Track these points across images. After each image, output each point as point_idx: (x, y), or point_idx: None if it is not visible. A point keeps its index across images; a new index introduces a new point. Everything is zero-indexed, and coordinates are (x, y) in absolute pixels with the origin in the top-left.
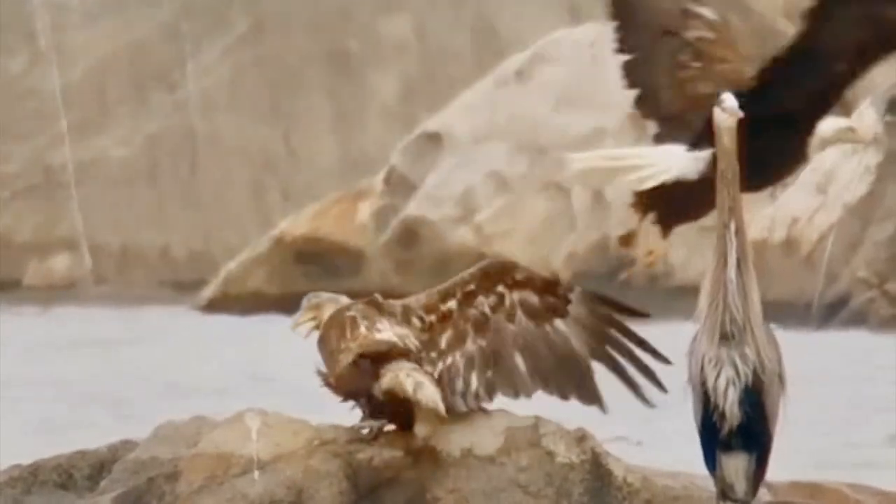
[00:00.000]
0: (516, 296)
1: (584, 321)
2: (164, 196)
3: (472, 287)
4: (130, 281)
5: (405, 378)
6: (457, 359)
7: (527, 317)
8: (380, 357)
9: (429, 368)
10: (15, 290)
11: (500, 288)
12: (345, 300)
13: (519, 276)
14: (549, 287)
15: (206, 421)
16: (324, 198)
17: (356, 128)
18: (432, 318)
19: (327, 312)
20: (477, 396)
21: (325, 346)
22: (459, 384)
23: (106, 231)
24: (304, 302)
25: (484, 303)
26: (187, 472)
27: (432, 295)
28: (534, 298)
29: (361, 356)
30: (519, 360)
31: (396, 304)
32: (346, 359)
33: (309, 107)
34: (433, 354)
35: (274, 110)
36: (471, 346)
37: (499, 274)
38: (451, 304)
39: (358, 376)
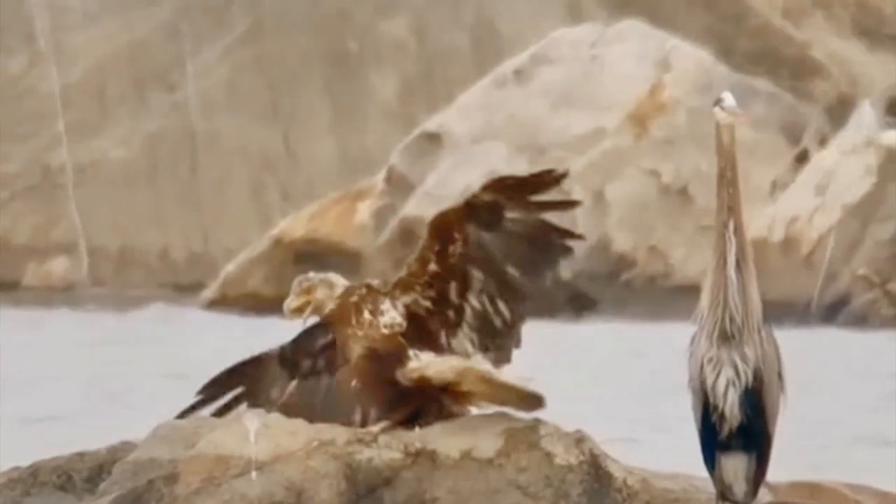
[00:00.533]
0: (470, 228)
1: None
2: (164, 196)
3: (437, 246)
4: (129, 282)
5: (438, 366)
6: (467, 311)
7: (487, 232)
8: (391, 349)
9: (445, 331)
10: (13, 291)
11: (456, 234)
12: (335, 278)
13: (456, 217)
14: (477, 206)
15: (204, 422)
16: (323, 198)
17: (355, 128)
18: (425, 279)
19: (320, 294)
20: (515, 325)
21: (335, 335)
22: (496, 320)
23: (104, 232)
24: (295, 286)
25: (455, 250)
26: (186, 474)
27: (412, 265)
28: (479, 223)
29: (372, 350)
30: (512, 270)
31: (391, 283)
32: (356, 348)
33: (308, 107)
34: (451, 313)
35: (273, 110)
36: (478, 275)
37: (446, 223)
38: (433, 266)
39: (376, 366)
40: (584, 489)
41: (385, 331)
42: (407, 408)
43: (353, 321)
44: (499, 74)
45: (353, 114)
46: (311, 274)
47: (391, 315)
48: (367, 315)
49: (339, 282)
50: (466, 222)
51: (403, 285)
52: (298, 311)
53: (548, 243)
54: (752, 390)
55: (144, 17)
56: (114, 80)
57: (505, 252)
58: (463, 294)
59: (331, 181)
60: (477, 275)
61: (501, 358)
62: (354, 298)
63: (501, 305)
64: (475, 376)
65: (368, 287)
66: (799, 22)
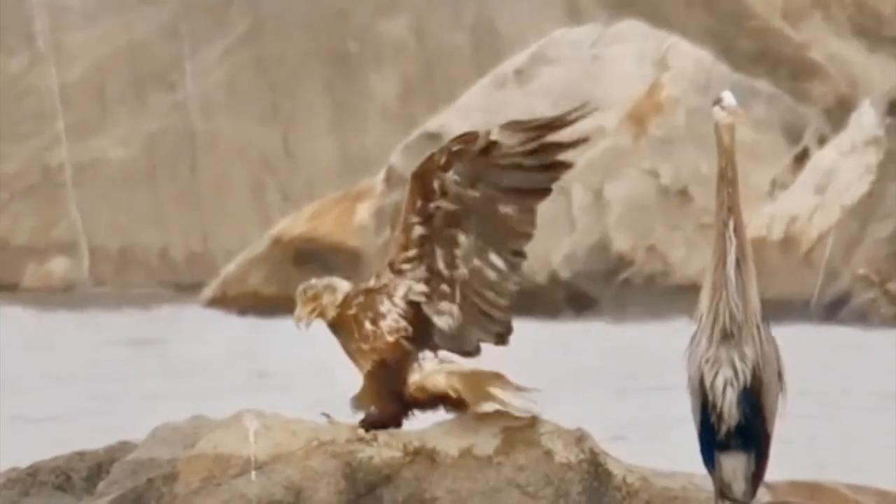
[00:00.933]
0: (453, 171)
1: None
2: (163, 196)
3: (419, 202)
4: (129, 282)
5: (442, 379)
6: (464, 268)
7: (485, 167)
8: (399, 357)
9: (446, 305)
10: (13, 291)
11: (435, 180)
12: (337, 282)
13: (443, 159)
14: (471, 141)
15: (204, 421)
16: (323, 198)
17: (355, 128)
18: (413, 252)
19: (325, 300)
20: (509, 276)
21: (342, 345)
22: (490, 274)
23: (104, 232)
24: (300, 294)
25: (439, 203)
26: (185, 473)
27: (398, 239)
28: (467, 163)
29: (381, 361)
30: (504, 208)
31: (384, 269)
32: (364, 363)
33: (308, 107)
34: (445, 287)
35: (273, 110)
36: (463, 240)
37: (427, 171)
38: (419, 230)
39: (385, 377)
40: (584, 488)
41: (390, 338)
42: (402, 414)
43: (356, 335)
44: (499, 74)
45: (353, 114)
46: (314, 280)
47: (393, 317)
48: (368, 326)
49: (342, 286)
50: (454, 163)
51: (396, 268)
52: (309, 316)
53: (546, 166)
54: (751, 389)
55: (144, 17)
56: (114, 80)
57: (496, 190)
58: (452, 263)
59: (331, 181)
60: (462, 238)
61: (498, 319)
62: (352, 310)
63: (494, 257)
64: (472, 390)
65: (366, 292)
66: (798, 23)
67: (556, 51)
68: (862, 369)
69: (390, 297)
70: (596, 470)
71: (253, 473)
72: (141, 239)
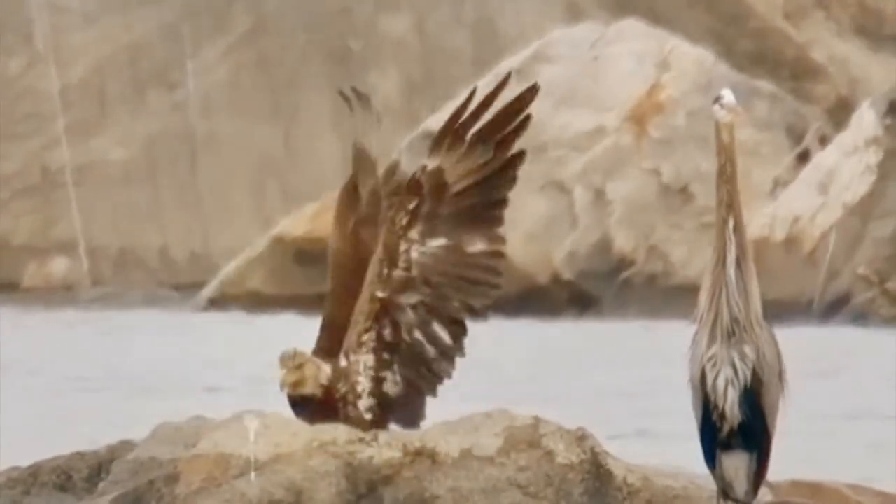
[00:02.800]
0: (413, 233)
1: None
2: (163, 197)
3: (385, 270)
4: (129, 282)
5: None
6: (407, 337)
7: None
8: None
9: (390, 375)
10: (13, 292)
11: (402, 245)
12: (320, 362)
13: (404, 220)
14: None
15: (205, 422)
16: (324, 197)
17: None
18: (370, 323)
19: (308, 371)
20: (451, 351)
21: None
22: (429, 350)
23: (104, 232)
24: (287, 360)
25: (403, 272)
26: (186, 474)
27: (363, 309)
28: (426, 215)
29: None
30: (472, 245)
31: (351, 344)
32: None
33: (309, 106)
34: (387, 355)
35: (274, 109)
36: (410, 311)
37: (393, 238)
38: (379, 294)
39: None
40: (586, 488)
41: (368, 417)
42: None
43: (343, 416)
44: (500, 73)
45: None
46: (299, 349)
47: (366, 395)
48: (350, 411)
49: (325, 368)
50: (415, 222)
51: (359, 341)
52: (293, 385)
53: (491, 205)
54: (752, 389)
55: (144, 18)
56: (114, 80)
57: (459, 225)
58: (397, 333)
59: (332, 180)
60: (411, 314)
61: (431, 387)
62: (339, 395)
63: (438, 329)
64: None
65: (342, 372)
66: (799, 23)
67: (556, 50)
68: (863, 369)
69: (358, 373)
70: (597, 470)
71: (253, 474)
72: (141, 239)
